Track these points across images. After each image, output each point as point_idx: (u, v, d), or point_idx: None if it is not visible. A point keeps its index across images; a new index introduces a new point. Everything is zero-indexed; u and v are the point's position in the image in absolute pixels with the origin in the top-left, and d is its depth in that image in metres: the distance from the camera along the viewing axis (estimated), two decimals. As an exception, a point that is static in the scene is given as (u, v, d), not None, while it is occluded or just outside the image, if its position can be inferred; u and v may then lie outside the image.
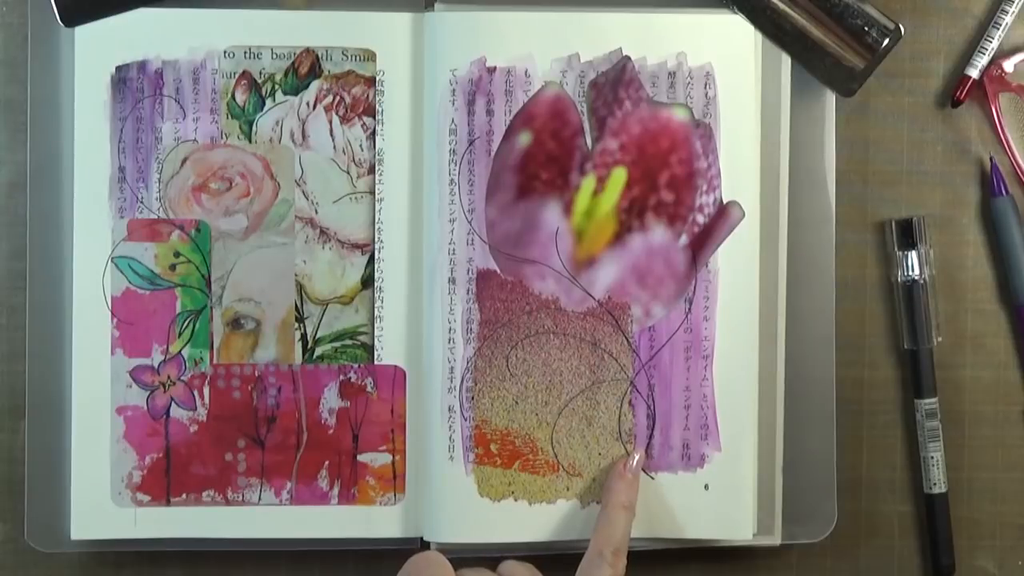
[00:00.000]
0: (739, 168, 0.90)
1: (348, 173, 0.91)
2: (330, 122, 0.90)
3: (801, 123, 0.91)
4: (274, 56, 0.90)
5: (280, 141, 0.90)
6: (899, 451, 0.94)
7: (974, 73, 0.92)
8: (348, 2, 0.90)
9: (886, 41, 0.90)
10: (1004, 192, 0.93)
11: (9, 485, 0.92)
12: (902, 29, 0.90)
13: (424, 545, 0.91)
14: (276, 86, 0.90)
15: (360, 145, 0.91)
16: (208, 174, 0.90)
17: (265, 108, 0.90)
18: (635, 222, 0.89)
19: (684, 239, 0.90)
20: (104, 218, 0.90)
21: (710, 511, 0.90)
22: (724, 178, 0.90)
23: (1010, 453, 0.94)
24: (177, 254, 0.90)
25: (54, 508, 0.90)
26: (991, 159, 0.93)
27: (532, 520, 0.90)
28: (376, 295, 0.91)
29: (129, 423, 0.90)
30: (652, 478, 0.90)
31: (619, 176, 0.89)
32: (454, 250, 0.90)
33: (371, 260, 0.91)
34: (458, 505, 0.90)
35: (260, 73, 0.90)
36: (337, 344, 0.91)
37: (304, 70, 0.90)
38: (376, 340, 0.91)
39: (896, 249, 0.93)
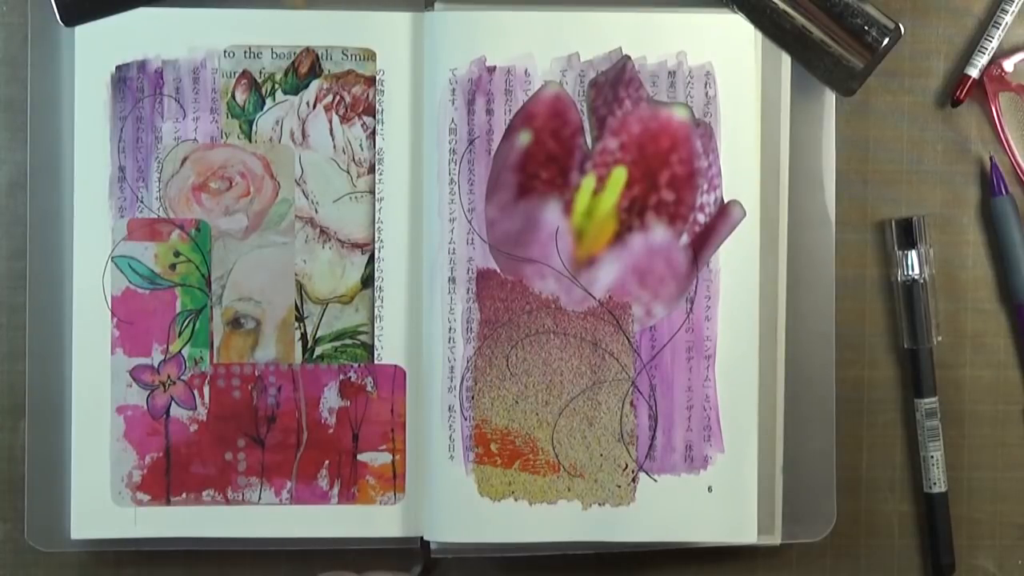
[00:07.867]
0: (739, 167, 0.90)
1: (348, 173, 0.90)
2: (330, 122, 0.90)
3: (801, 123, 0.91)
4: (274, 56, 0.90)
5: (280, 141, 0.90)
6: (899, 450, 0.94)
7: (974, 73, 0.92)
8: (348, 2, 0.90)
9: (886, 40, 0.90)
10: (1004, 192, 0.93)
11: (9, 485, 0.92)
12: (902, 29, 0.90)
13: (424, 544, 0.91)
14: (276, 86, 0.90)
15: (360, 145, 0.91)
16: (208, 173, 0.90)
17: (265, 108, 0.90)
18: (635, 221, 0.89)
19: (685, 238, 0.90)
20: (104, 218, 0.90)
21: (714, 514, 0.90)
22: (724, 177, 0.90)
23: (1010, 453, 0.94)
24: (177, 253, 0.90)
25: (54, 508, 0.90)
26: (991, 159, 0.93)
27: (532, 520, 0.90)
28: (376, 295, 0.90)
29: (129, 423, 0.90)
30: (655, 481, 0.90)
31: (619, 175, 0.89)
32: (454, 249, 0.89)
33: (371, 260, 0.91)
34: (458, 505, 0.90)
35: (260, 73, 0.90)
36: (337, 344, 0.91)
37: (304, 70, 0.90)
38: (376, 340, 0.91)
39: (896, 249, 0.93)
